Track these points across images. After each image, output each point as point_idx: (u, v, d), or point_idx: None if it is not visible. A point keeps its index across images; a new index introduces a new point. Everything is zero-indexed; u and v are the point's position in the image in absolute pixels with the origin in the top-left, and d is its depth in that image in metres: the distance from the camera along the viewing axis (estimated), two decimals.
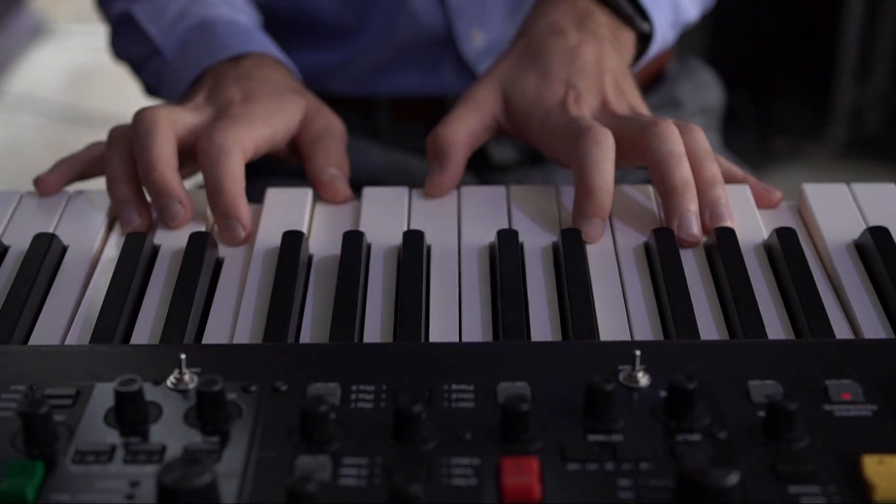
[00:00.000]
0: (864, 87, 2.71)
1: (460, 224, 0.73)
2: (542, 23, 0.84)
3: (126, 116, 0.77)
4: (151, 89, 0.94)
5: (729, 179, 0.76)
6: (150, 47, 0.90)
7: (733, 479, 0.47)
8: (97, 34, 3.71)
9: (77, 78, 3.40)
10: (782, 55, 2.88)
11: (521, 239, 0.70)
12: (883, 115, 2.71)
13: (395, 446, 0.52)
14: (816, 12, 2.83)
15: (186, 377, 0.56)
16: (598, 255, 0.69)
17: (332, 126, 0.81)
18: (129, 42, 0.94)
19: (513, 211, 0.75)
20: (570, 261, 0.67)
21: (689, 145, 0.73)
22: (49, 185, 0.77)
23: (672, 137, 0.72)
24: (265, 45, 0.87)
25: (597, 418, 0.53)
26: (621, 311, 0.64)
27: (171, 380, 0.56)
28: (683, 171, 0.71)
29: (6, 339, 0.62)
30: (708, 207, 0.71)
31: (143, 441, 0.52)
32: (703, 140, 0.74)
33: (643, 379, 0.55)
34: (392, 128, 1.03)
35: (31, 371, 0.57)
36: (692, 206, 0.70)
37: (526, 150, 1.07)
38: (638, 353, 0.55)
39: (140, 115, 0.74)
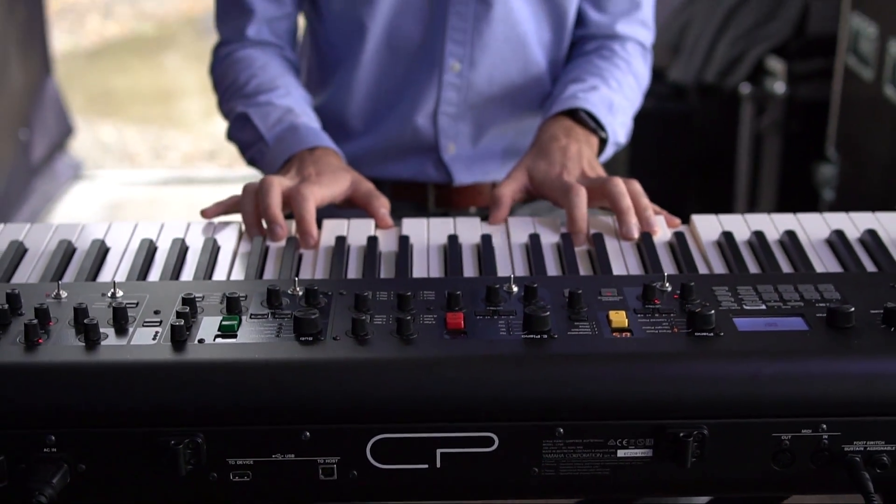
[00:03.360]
0: (753, 212, 3.36)
1: (429, 234, 1.35)
2: (546, 135, 1.50)
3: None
4: (252, 162, 1.56)
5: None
6: (258, 136, 1.52)
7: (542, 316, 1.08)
8: (125, 176, 4.37)
9: (110, 210, 4.03)
10: (689, 186, 3.53)
11: (460, 241, 1.32)
12: None
13: (397, 312, 1.12)
14: (716, 153, 3.50)
15: (298, 288, 1.17)
16: (500, 245, 1.32)
17: (371, 187, 1.43)
18: (242, 131, 1.55)
19: (458, 228, 1.37)
20: (484, 247, 1.29)
21: (630, 189, 1.36)
22: (208, 214, 1.38)
23: (621, 185, 1.36)
24: (328, 142, 1.49)
25: (490, 302, 1.14)
26: (508, 267, 1.26)
27: (290, 290, 1.17)
28: (628, 202, 1.34)
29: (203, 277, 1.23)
30: (643, 222, 1.34)
31: (280, 309, 1.13)
32: (639, 186, 1.37)
33: (515, 289, 1.16)
34: (392, 202, 1.64)
35: (219, 290, 1.17)
36: (633, 221, 1.33)
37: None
38: (512, 276, 1.17)
39: (264, 180, 1.36)
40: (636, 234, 1.33)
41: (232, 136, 1.59)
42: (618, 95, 1.61)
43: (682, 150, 3.50)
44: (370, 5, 1.60)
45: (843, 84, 3.09)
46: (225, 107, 1.61)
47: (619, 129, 1.60)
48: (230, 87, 1.61)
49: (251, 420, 1.03)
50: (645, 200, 1.36)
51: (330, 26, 1.66)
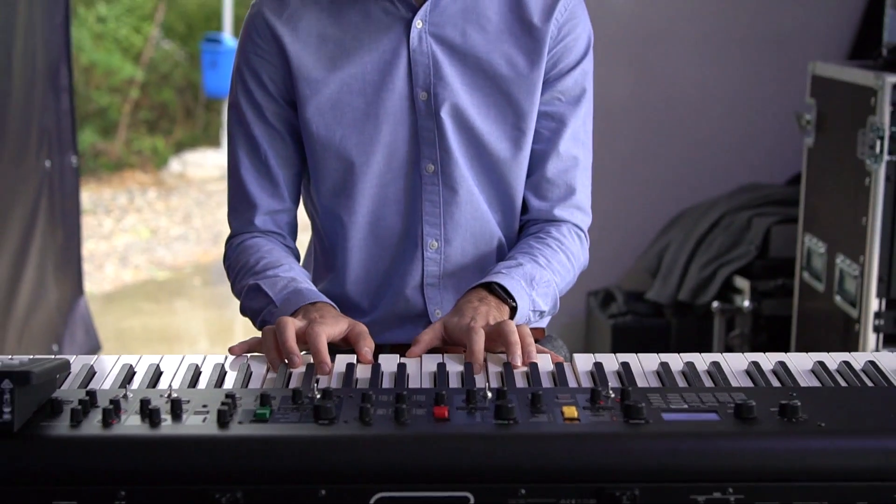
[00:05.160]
0: None
1: (421, 365, 1.66)
2: (463, 300, 1.83)
3: None
4: (262, 326, 1.87)
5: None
6: (268, 301, 1.85)
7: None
8: None
9: None
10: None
11: (447, 368, 1.63)
12: None
13: (394, 408, 1.42)
14: (688, 337, 3.81)
15: (316, 391, 1.46)
16: (480, 372, 1.62)
17: (364, 330, 1.75)
18: (254, 300, 1.88)
19: (445, 359, 1.67)
20: (466, 371, 1.60)
21: (520, 330, 1.67)
22: (235, 351, 1.70)
23: (513, 325, 1.68)
24: (325, 299, 1.82)
25: (469, 402, 1.43)
26: (485, 383, 1.57)
27: (310, 392, 1.46)
28: (515, 338, 1.65)
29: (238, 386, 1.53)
30: (525, 355, 1.65)
31: (303, 404, 1.42)
32: (527, 329, 1.69)
33: (490, 394, 1.46)
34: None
35: (253, 393, 1.47)
36: (518, 352, 1.64)
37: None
38: (488, 385, 1.47)
39: (280, 320, 1.68)
40: (519, 363, 1.64)
41: (245, 307, 1.92)
42: (545, 271, 1.93)
43: (661, 331, 3.83)
44: (350, 202, 1.97)
45: (800, 298, 3.43)
46: (238, 286, 1.95)
47: (540, 299, 1.90)
48: (242, 269, 1.96)
49: (280, 480, 1.32)
50: (530, 339, 1.68)
51: (323, 219, 2.03)
